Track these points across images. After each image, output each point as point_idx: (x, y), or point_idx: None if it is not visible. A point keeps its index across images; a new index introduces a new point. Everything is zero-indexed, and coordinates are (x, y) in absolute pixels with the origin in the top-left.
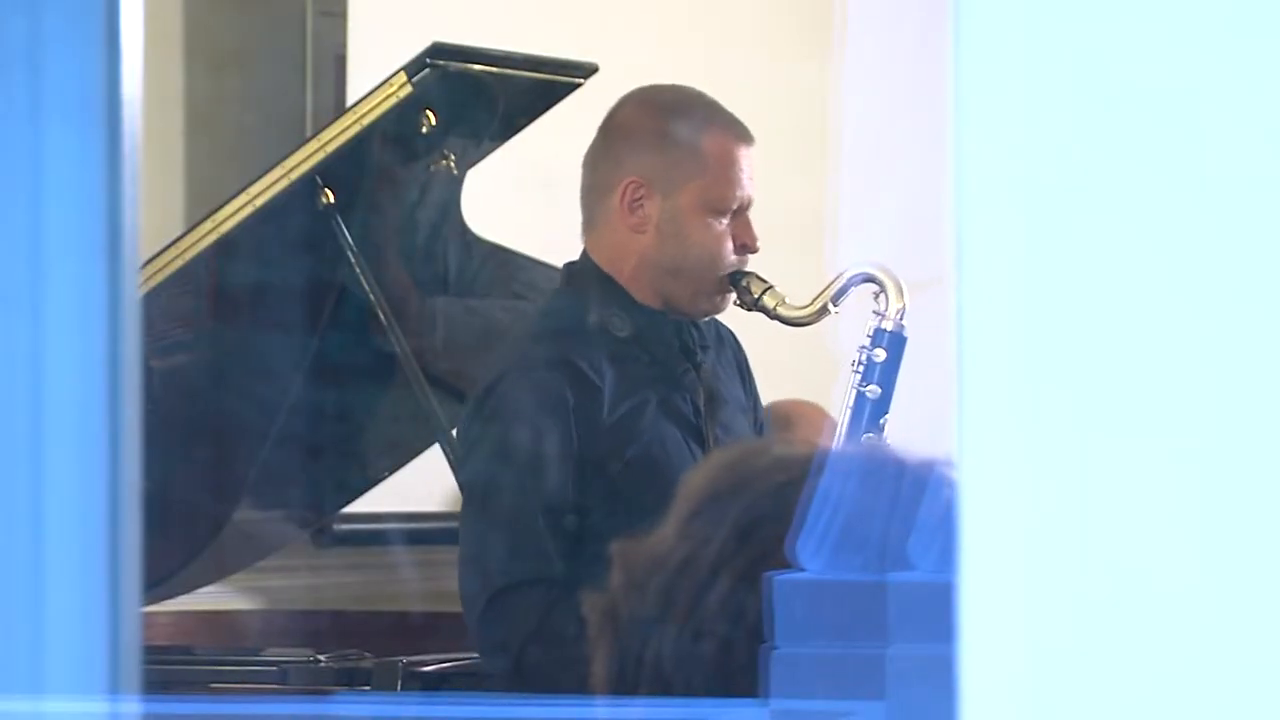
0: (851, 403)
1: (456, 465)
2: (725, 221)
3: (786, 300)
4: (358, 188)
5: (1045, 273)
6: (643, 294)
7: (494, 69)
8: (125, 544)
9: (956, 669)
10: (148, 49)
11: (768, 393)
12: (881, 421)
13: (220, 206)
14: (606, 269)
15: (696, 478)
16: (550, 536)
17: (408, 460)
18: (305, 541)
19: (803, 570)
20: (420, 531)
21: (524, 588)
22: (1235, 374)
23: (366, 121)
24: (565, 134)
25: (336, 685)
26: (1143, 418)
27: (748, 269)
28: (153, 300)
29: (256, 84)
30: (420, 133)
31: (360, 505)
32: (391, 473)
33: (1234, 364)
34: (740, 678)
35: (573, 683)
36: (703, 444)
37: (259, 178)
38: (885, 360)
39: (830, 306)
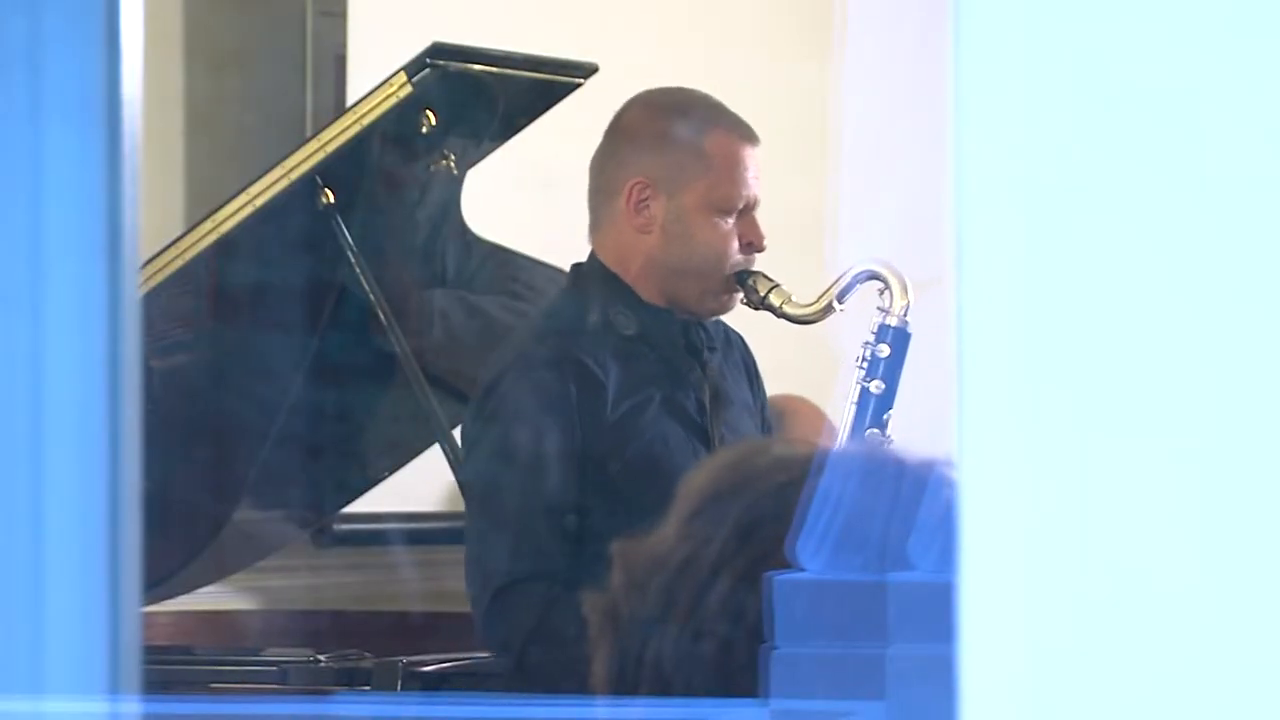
0: (856, 398)
1: (457, 464)
2: (731, 221)
3: (793, 298)
4: (358, 188)
5: (1045, 273)
6: (649, 293)
7: (494, 69)
8: (125, 544)
9: (956, 669)
10: (148, 49)
11: (768, 391)
12: (885, 417)
13: (220, 206)
14: (613, 269)
15: (697, 477)
16: (552, 533)
17: (408, 460)
18: (305, 541)
19: (803, 570)
20: (420, 531)
21: (525, 584)
22: (1235, 374)
23: (366, 121)
24: (565, 134)
25: (336, 685)
26: (1143, 418)
27: (754, 268)
28: (153, 300)
29: (256, 84)
30: (420, 133)
31: (360, 505)
32: (391, 473)
33: (1234, 364)
34: (740, 678)
35: (577, 678)
36: (706, 443)
37: (259, 178)
38: (890, 355)
39: (836, 304)
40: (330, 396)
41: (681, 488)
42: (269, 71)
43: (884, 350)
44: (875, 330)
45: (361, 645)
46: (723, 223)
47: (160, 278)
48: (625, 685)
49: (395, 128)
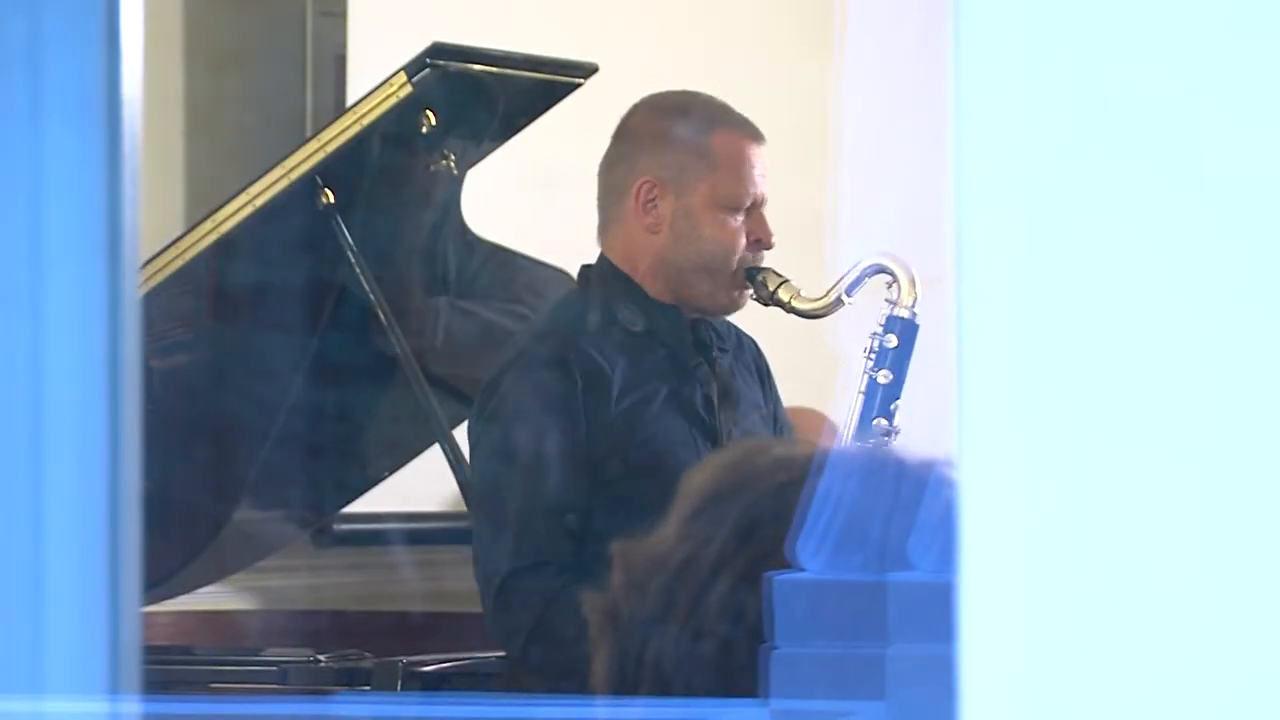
0: (863, 387)
1: (457, 464)
2: (739, 219)
3: (801, 293)
4: (358, 188)
5: (1045, 273)
6: (658, 291)
7: (494, 69)
8: (125, 544)
9: (956, 669)
10: (148, 49)
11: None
12: (892, 407)
13: (220, 206)
14: (622, 268)
15: (697, 477)
16: (554, 528)
17: (408, 460)
18: (305, 541)
19: (803, 570)
20: (420, 531)
21: (528, 573)
22: (1235, 374)
23: (366, 121)
24: (565, 134)
25: (336, 685)
26: (1143, 418)
27: (763, 264)
28: (153, 300)
29: (256, 84)
30: (420, 133)
31: (360, 505)
32: (391, 473)
33: (1234, 364)
34: (740, 678)
35: (580, 671)
36: (714, 439)
37: (259, 178)
38: (898, 346)
39: (844, 298)
40: (330, 396)
41: (681, 487)
42: (269, 71)
43: (892, 341)
44: (883, 322)
45: (361, 645)
46: (730, 220)
47: (160, 278)
48: (625, 685)
49: (395, 128)
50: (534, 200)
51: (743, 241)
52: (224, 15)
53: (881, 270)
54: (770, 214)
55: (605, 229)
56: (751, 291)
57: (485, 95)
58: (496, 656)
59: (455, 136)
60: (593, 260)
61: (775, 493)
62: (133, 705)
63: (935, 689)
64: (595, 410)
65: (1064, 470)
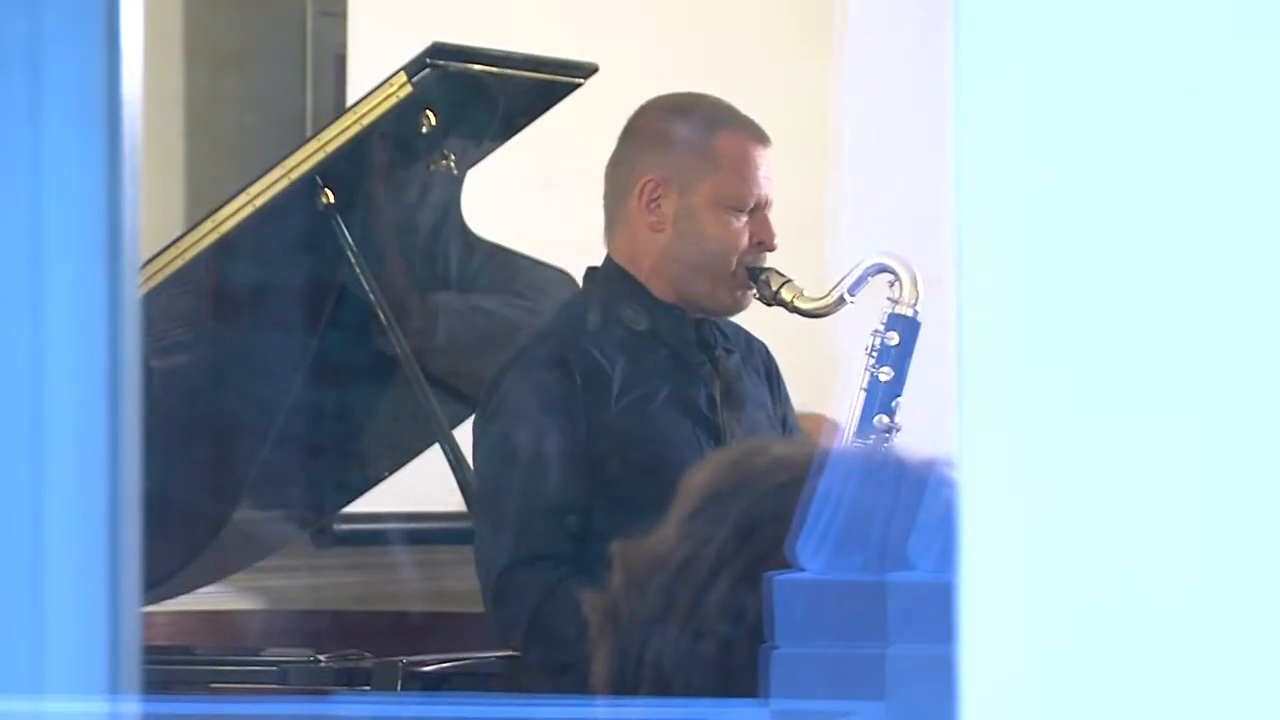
0: (865, 384)
1: (457, 464)
2: (743, 219)
3: (804, 293)
4: (358, 188)
5: (1045, 273)
6: (662, 290)
7: (494, 69)
8: (125, 544)
9: (956, 669)
10: (148, 49)
11: None
12: (894, 404)
13: (220, 206)
14: (626, 268)
15: (697, 477)
16: (553, 525)
17: (408, 460)
18: (305, 541)
19: (803, 570)
20: (420, 531)
21: (526, 565)
22: (1235, 374)
23: (366, 121)
24: (565, 134)
25: (336, 685)
26: (1143, 418)
27: (766, 264)
28: (153, 300)
29: (256, 84)
30: (420, 133)
31: (360, 505)
32: (391, 473)
33: (1234, 364)
34: (740, 678)
35: (580, 659)
36: (717, 438)
37: (259, 178)
38: (899, 344)
39: (847, 297)
40: (330, 396)
41: (681, 487)
42: (269, 71)
43: (893, 338)
44: (885, 319)
45: (361, 645)
46: (734, 220)
47: (160, 278)
48: (625, 685)
49: (395, 128)
50: (534, 200)
51: (745, 242)
52: (224, 15)
53: (884, 269)
54: (771, 214)
55: (611, 229)
56: (754, 291)
57: (485, 95)
58: (497, 656)
59: (455, 136)
60: (592, 260)
61: (775, 492)
62: (133, 705)
63: (935, 689)
64: (595, 409)
65: (1064, 470)
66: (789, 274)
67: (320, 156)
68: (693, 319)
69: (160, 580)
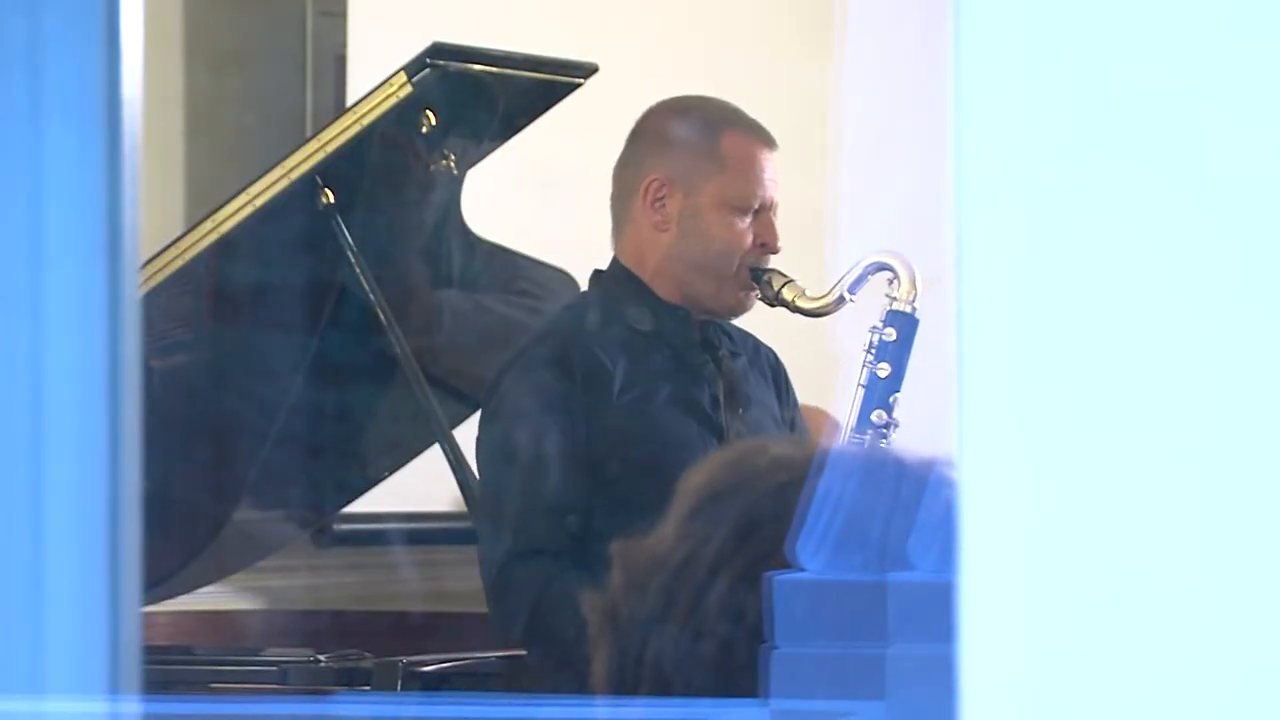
0: (864, 381)
1: (457, 464)
2: (747, 220)
3: (806, 292)
4: (358, 188)
5: (1045, 273)
6: (666, 291)
7: (494, 69)
8: (125, 544)
9: (956, 669)
10: (148, 49)
11: None
12: (892, 400)
13: (220, 206)
14: (632, 269)
15: (696, 477)
16: (554, 521)
17: (408, 460)
18: (305, 541)
19: (803, 570)
20: (420, 531)
21: (523, 560)
22: (1235, 374)
23: (366, 121)
24: (565, 134)
25: (336, 685)
26: (1143, 418)
27: (769, 265)
28: (153, 300)
29: (256, 84)
30: (420, 133)
31: (360, 505)
32: (391, 473)
33: (1234, 364)
34: (740, 678)
35: (580, 655)
36: (720, 437)
37: (259, 178)
38: (897, 340)
39: (847, 296)
40: (330, 396)
41: (681, 487)
42: (269, 71)
43: (891, 335)
44: (884, 316)
45: (361, 645)
46: (738, 221)
47: (160, 278)
48: (625, 685)
49: (395, 128)
50: (534, 200)
51: (748, 243)
52: (224, 15)
53: (883, 267)
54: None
55: (617, 230)
56: (757, 292)
57: (485, 95)
58: (496, 656)
59: (455, 136)
60: (592, 260)
61: (775, 492)
62: (133, 705)
63: (935, 689)
64: (596, 408)
65: (1064, 470)
66: (790, 274)
67: (320, 156)
68: (697, 320)
69: (160, 580)
